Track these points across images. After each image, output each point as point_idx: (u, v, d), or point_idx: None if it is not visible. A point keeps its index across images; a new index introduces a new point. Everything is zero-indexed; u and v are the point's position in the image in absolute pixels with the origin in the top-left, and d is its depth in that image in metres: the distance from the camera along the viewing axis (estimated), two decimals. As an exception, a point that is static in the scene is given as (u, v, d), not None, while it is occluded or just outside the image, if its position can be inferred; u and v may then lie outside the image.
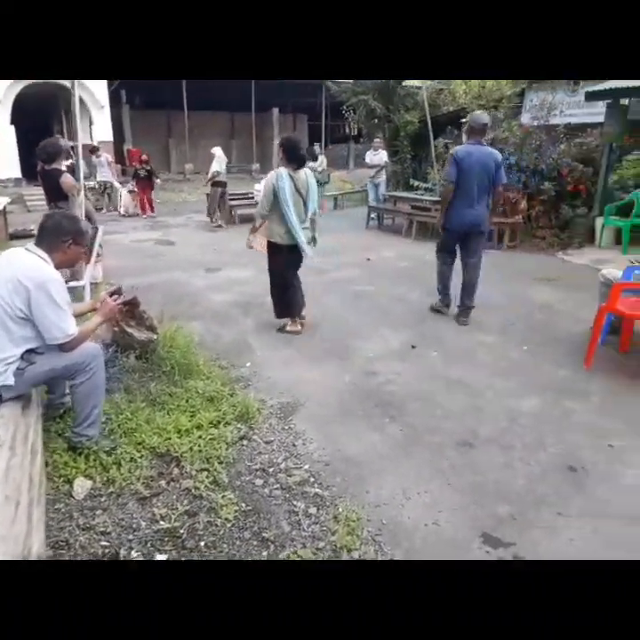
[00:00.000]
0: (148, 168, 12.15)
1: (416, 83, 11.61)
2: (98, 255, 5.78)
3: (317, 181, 4.89)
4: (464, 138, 4.90)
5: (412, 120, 11.87)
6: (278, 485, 2.44)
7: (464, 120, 7.32)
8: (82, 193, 4.96)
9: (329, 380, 3.60)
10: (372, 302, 5.37)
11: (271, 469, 2.56)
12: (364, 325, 4.67)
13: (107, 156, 12.76)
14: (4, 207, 7.71)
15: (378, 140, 11.43)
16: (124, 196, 12.35)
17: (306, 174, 4.19)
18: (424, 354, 4.05)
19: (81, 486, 2.31)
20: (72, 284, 4.54)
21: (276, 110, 22.54)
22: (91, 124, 16.19)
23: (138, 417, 2.81)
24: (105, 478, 2.39)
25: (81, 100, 16.01)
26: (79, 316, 2.87)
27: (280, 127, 23.16)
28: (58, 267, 2.40)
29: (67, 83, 15.01)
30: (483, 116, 4.63)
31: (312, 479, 2.50)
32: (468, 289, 4.71)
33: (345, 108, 13.31)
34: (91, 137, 16.14)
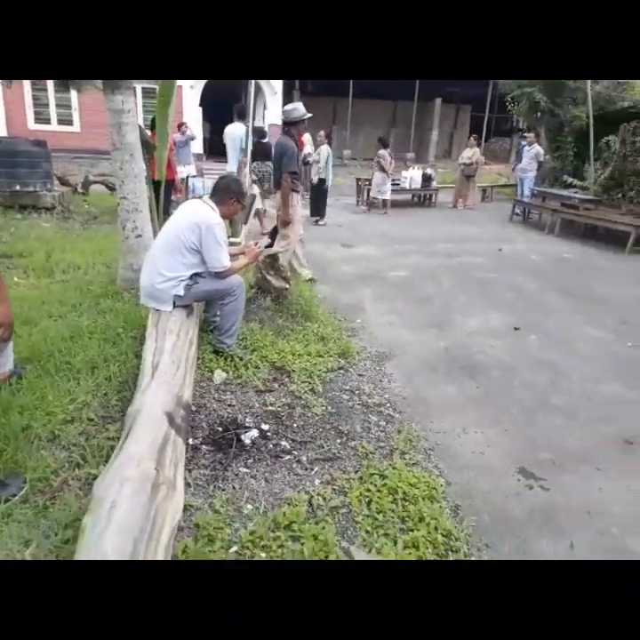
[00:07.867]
0: None
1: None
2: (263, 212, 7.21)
3: None
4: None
5: (579, 115, 11.33)
6: (360, 402, 3.06)
7: None
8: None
9: (425, 343, 4.09)
10: (488, 287, 5.65)
11: (357, 392, 3.18)
12: (473, 305, 5.02)
13: None
14: (187, 176, 9.31)
15: (530, 135, 11.29)
16: None
17: (328, 149, 9.49)
18: (523, 336, 4.32)
19: (219, 376, 3.17)
20: (231, 239, 5.59)
21: (438, 100, 22.47)
22: (264, 108, 17.92)
23: (265, 340, 3.62)
24: (235, 374, 3.22)
25: (259, 87, 17.83)
26: (232, 256, 3.77)
27: (441, 117, 23.07)
28: (222, 216, 3.25)
29: (250, 71, 16.84)
30: None
31: (388, 404, 3.08)
32: None
33: (508, 99, 13.07)
34: (263, 120, 17.88)
